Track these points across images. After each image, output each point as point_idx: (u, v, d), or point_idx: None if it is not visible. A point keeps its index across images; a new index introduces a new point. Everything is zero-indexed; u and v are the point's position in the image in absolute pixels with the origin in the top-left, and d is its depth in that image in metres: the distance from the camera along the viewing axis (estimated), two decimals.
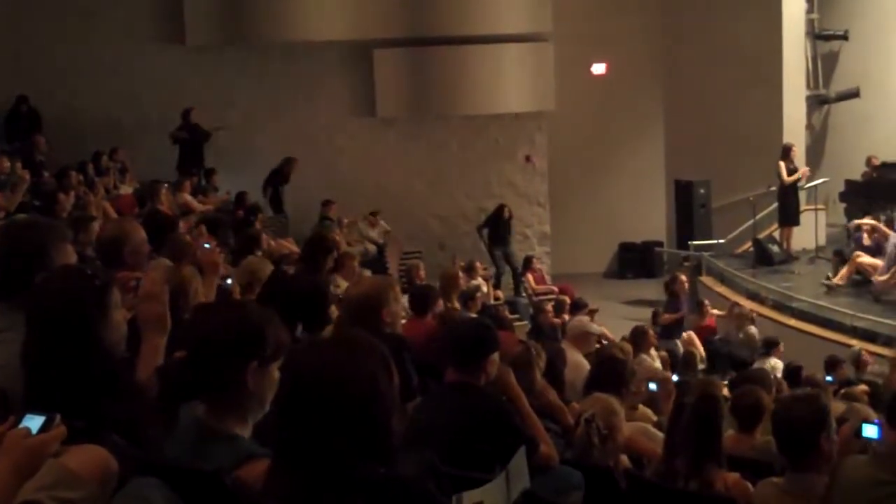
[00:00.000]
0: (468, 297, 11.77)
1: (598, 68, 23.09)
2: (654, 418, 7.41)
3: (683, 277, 17.13)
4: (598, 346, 9.18)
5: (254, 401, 3.15)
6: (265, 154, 19.26)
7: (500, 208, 20.42)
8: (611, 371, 6.53)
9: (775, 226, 19.63)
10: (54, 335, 3.38)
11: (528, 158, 21.84)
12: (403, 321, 6.82)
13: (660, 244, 22.55)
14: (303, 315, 5.47)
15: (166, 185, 14.28)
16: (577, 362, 8.13)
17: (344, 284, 8.75)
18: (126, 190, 15.35)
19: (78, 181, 13.65)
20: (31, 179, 13.41)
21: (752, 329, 15.36)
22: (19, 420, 2.63)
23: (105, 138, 18.19)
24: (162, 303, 3.99)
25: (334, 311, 6.48)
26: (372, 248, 18.11)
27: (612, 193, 23.12)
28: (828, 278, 16.83)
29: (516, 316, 16.37)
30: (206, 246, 7.45)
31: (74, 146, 17.62)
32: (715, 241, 20.19)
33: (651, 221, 22.94)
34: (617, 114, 22.79)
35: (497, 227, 20.38)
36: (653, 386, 7.94)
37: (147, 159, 18.32)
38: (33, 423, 2.63)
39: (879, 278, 15.95)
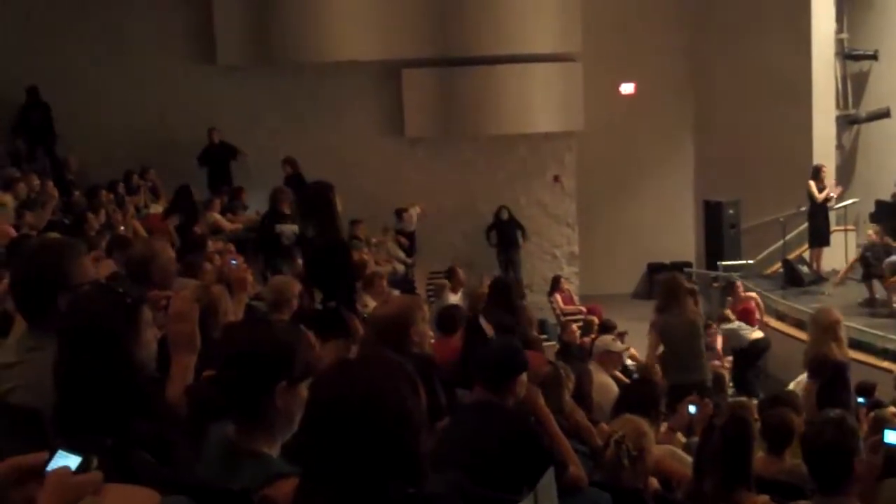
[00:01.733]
0: None
1: (627, 88, 23.07)
2: (683, 440, 7.37)
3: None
4: (631, 363, 9.17)
5: (283, 420, 3.15)
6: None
7: (498, 210, 20.55)
8: (641, 393, 6.50)
9: (805, 247, 19.52)
10: (86, 354, 3.39)
11: (556, 178, 21.83)
12: (431, 341, 6.82)
13: (689, 265, 22.46)
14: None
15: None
16: (604, 383, 8.11)
17: (372, 304, 8.77)
18: (156, 209, 15.43)
19: (108, 199, 13.73)
20: (62, 198, 13.50)
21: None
22: (52, 456, 2.62)
23: (135, 157, 18.31)
24: (192, 322, 4.00)
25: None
26: (400, 267, 18.13)
27: (641, 214, 23.06)
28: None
29: (544, 336, 16.33)
30: (234, 262, 7.48)
31: (104, 164, 17.74)
32: (744, 262, 20.10)
33: (680, 242, 22.86)
34: (646, 133, 22.75)
35: (500, 231, 20.47)
36: (692, 409, 7.89)
37: (177, 178, 18.40)
38: (69, 461, 2.61)
39: None
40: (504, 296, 8.26)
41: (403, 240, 19.56)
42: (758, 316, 17.04)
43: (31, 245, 4.90)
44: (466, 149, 21.45)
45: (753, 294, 17.43)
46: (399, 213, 20.15)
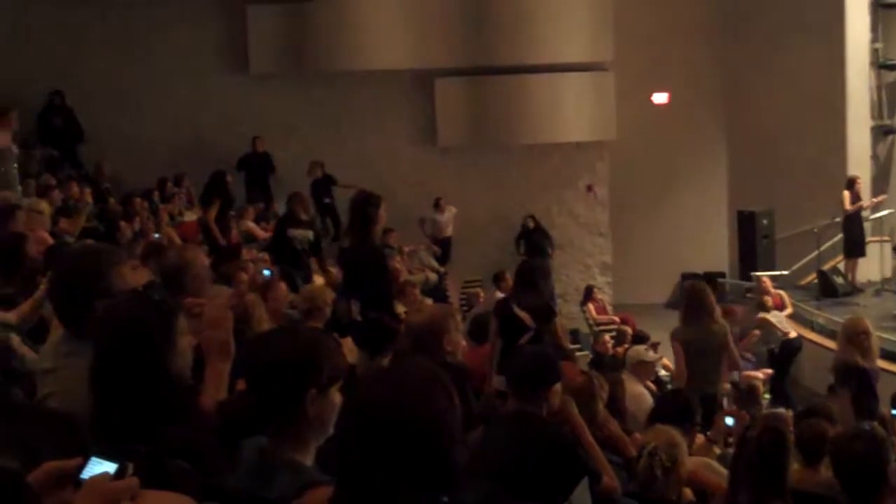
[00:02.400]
0: None
1: (660, 97, 23.01)
2: (717, 451, 7.33)
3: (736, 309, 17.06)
4: (664, 373, 9.11)
5: (315, 427, 3.15)
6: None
7: (525, 219, 20.56)
8: (675, 403, 6.47)
9: (840, 257, 19.38)
10: (121, 361, 3.40)
11: (589, 188, 21.78)
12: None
13: (722, 275, 22.35)
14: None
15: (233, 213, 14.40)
16: (638, 393, 8.07)
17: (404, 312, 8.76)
18: (190, 217, 15.48)
19: (143, 207, 13.80)
20: (96, 205, 13.58)
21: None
22: (86, 462, 2.62)
23: (169, 165, 18.41)
24: (226, 330, 4.00)
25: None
26: (433, 276, 18.13)
27: (675, 223, 22.97)
28: None
29: (577, 346, 16.31)
30: (268, 273, 7.52)
31: (138, 172, 17.84)
32: (778, 273, 19.97)
33: (714, 252, 22.76)
34: (679, 143, 22.68)
35: (528, 240, 20.46)
36: (729, 421, 7.82)
37: None
38: (104, 468, 2.62)
39: None
40: (530, 277, 8.20)
41: (436, 248, 19.58)
42: (789, 311, 16.93)
43: (71, 251, 4.94)
44: (498, 158, 21.44)
45: (781, 291, 17.35)
46: (437, 204, 20.18)
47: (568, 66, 20.82)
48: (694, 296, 9.72)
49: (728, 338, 9.55)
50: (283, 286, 7.84)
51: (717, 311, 9.84)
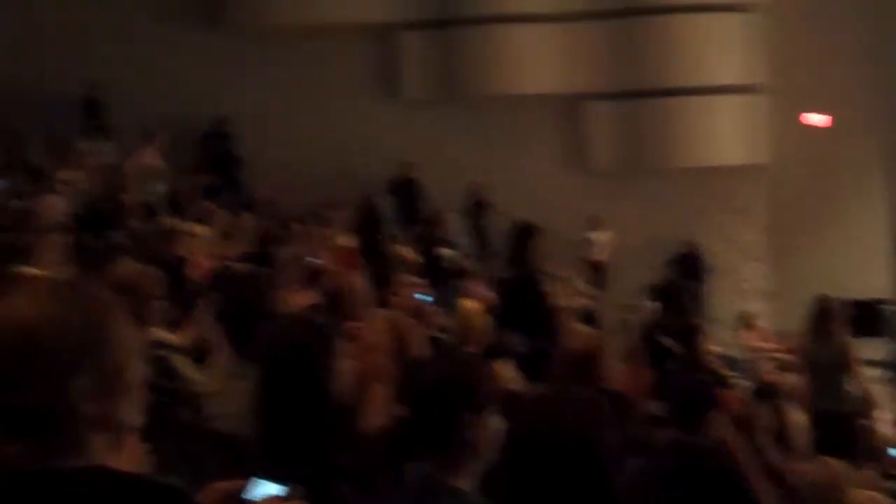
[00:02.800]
0: None
1: (820, 120, 22.48)
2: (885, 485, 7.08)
3: None
4: None
5: (472, 452, 3.14)
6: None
7: (679, 244, 20.24)
8: (839, 433, 6.28)
9: None
10: (284, 383, 3.45)
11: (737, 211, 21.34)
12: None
13: (886, 302, 21.65)
14: None
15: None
16: (801, 422, 7.85)
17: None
18: (345, 241, 15.66)
19: (299, 232, 14.01)
20: (255, 230, 13.82)
21: None
22: (252, 484, 2.65)
23: (324, 190, 18.70)
24: (385, 353, 4.05)
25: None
26: (587, 301, 17.99)
27: (836, 248, 22.34)
28: None
29: (735, 374, 15.97)
30: (426, 298, 7.56)
31: (294, 197, 18.17)
32: None
33: (876, 278, 22.08)
34: (839, 166, 22.10)
35: (682, 265, 20.13)
36: (893, 452, 7.56)
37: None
38: (269, 490, 2.64)
39: None
40: (677, 299, 8.11)
41: (590, 272, 19.33)
42: None
43: (236, 275, 5.07)
44: (650, 182, 21.20)
45: None
46: (592, 222, 20.05)
47: (720, 89, 20.51)
48: (819, 312, 9.52)
49: (850, 354, 9.32)
50: (436, 310, 7.87)
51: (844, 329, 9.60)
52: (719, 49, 20.35)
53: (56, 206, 9.67)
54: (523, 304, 7.37)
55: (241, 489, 2.62)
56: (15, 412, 1.98)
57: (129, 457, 2.18)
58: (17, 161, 14.15)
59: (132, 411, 2.12)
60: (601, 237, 20.34)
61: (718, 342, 19.14)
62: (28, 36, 19.23)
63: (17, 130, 15.93)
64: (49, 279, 2.85)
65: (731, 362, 17.69)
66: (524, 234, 7.62)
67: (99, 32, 19.52)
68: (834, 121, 22.18)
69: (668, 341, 7.47)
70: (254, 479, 2.65)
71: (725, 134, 20.70)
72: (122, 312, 2.12)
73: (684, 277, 19.91)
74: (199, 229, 9.49)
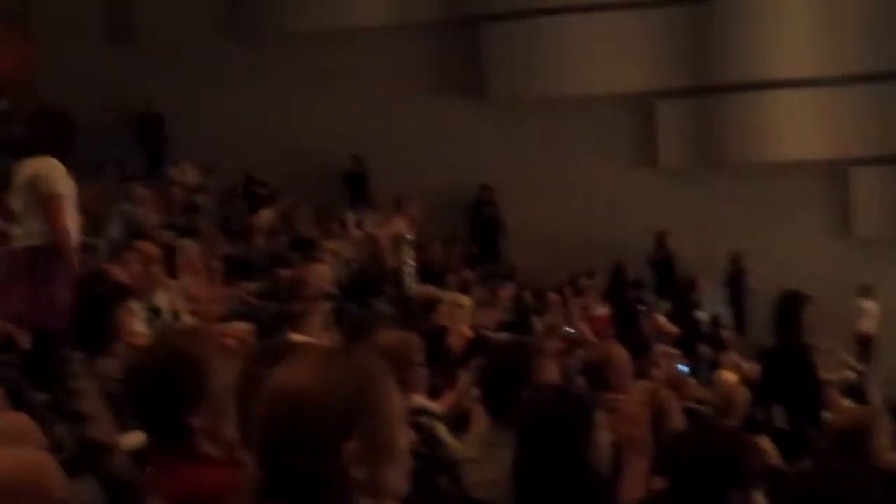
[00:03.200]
0: None
1: None
2: None
3: None
4: None
5: None
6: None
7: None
8: None
9: None
10: (542, 453, 3.47)
11: None
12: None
13: None
14: None
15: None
16: None
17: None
18: (601, 311, 15.66)
19: (556, 301, 14.09)
20: (510, 299, 13.99)
21: None
22: None
23: (581, 260, 18.75)
24: (643, 425, 4.01)
25: None
26: (852, 375, 17.30)
27: None
28: None
29: None
30: (683, 369, 7.47)
31: (551, 267, 18.28)
32: None
33: None
34: None
35: None
36: None
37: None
38: None
39: None
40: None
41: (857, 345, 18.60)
42: None
43: (499, 344, 5.16)
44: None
45: None
46: (862, 291, 19.28)
47: None
48: None
49: None
50: (692, 382, 7.76)
51: None
52: None
53: (323, 274, 10.04)
54: (787, 377, 7.16)
55: None
56: (288, 474, 2.07)
57: None
58: (289, 230, 14.84)
59: (398, 478, 2.18)
60: (870, 307, 19.55)
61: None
62: (300, 108, 20.18)
63: (287, 201, 16.75)
64: (321, 346, 2.97)
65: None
66: (792, 304, 7.43)
67: (365, 106, 20.29)
68: None
69: None
70: None
71: None
72: (391, 379, 2.19)
73: None
74: (461, 298, 9.67)
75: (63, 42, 19.05)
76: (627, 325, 12.70)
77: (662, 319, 15.91)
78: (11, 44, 18.61)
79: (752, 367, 9.24)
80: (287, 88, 20.28)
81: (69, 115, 7.03)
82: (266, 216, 15.10)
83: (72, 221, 6.58)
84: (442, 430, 4.69)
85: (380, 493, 2.14)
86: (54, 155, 6.60)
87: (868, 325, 19.46)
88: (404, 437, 2.19)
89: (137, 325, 6.87)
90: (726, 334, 15.15)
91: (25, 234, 6.57)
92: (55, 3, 19.77)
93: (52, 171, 6.55)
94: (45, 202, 6.47)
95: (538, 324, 11.34)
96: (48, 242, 6.47)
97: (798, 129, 19.88)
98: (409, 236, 12.42)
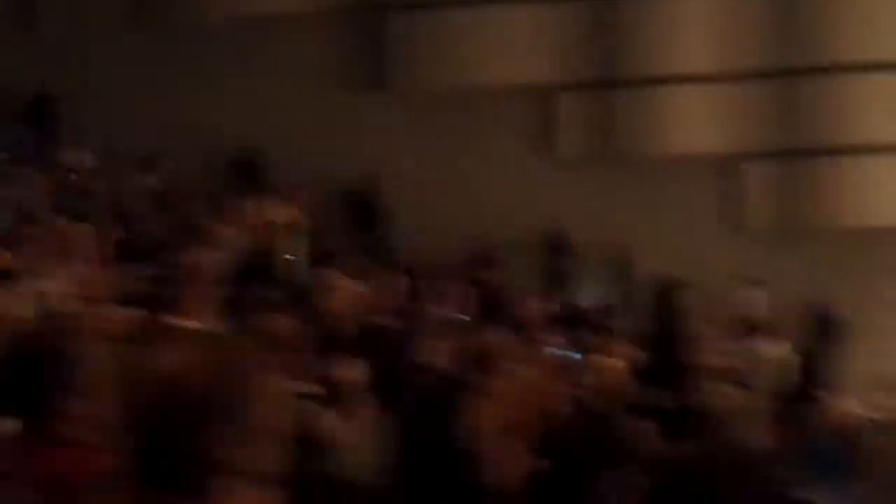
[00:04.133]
0: None
1: None
2: None
3: None
4: None
5: None
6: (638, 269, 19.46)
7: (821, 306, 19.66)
8: None
9: None
10: (418, 437, 3.55)
11: None
12: None
13: None
14: None
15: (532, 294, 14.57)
16: None
17: None
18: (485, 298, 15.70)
19: (448, 289, 14.11)
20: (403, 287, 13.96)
21: None
22: None
23: (473, 249, 18.87)
24: (522, 408, 4.09)
25: None
26: (737, 362, 17.67)
27: None
28: None
29: (875, 435, 15.43)
30: (566, 354, 7.56)
31: (443, 255, 18.32)
32: None
33: None
34: None
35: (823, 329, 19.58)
36: None
37: (514, 271, 18.81)
38: None
39: None
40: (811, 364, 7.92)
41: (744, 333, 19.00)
42: None
43: (382, 330, 5.21)
44: (809, 243, 20.74)
45: None
46: (747, 281, 19.66)
47: (883, 147, 20.04)
48: None
49: None
50: (577, 367, 7.82)
51: None
52: (877, 108, 19.94)
53: (214, 260, 9.95)
54: (668, 362, 7.31)
55: None
56: (158, 458, 2.09)
57: None
58: (179, 217, 14.69)
59: (271, 460, 2.21)
60: (759, 297, 19.94)
61: (870, 406, 18.59)
62: (199, 95, 19.99)
63: (180, 188, 16.59)
64: (196, 332, 3.00)
65: (873, 423, 17.11)
66: (668, 291, 7.59)
67: (263, 98, 20.17)
68: None
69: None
70: None
71: (887, 193, 20.20)
72: (267, 365, 2.22)
73: (822, 339, 19.41)
74: (349, 285, 9.66)
75: None
76: (502, 311, 12.82)
77: (545, 306, 16.04)
78: None
79: (637, 353, 9.36)
80: (186, 75, 20.10)
81: None
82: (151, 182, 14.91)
83: None
84: (325, 414, 4.71)
85: (250, 474, 2.17)
86: None
87: (756, 314, 19.87)
88: (279, 422, 2.22)
89: (21, 310, 6.76)
90: (614, 322, 15.36)
91: None
92: None
93: None
94: None
95: (430, 311, 11.36)
96: None
97: (693, 123, 20.22)
98: (300, 224, 12.40)
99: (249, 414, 2.14)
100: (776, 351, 16.10)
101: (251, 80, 20.20)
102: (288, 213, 12.51)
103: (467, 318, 9.99)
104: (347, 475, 4.00)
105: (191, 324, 4.79)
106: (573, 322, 12.63)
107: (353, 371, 5.13)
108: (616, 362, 8.50)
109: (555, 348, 8.01)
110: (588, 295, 18.83)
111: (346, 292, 8.74)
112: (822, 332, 19.65)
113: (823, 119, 20.12)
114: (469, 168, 20.50)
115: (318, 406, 4.74)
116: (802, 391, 10.61)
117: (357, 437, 4.21)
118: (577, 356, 8.50)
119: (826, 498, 4.92)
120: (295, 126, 20.15)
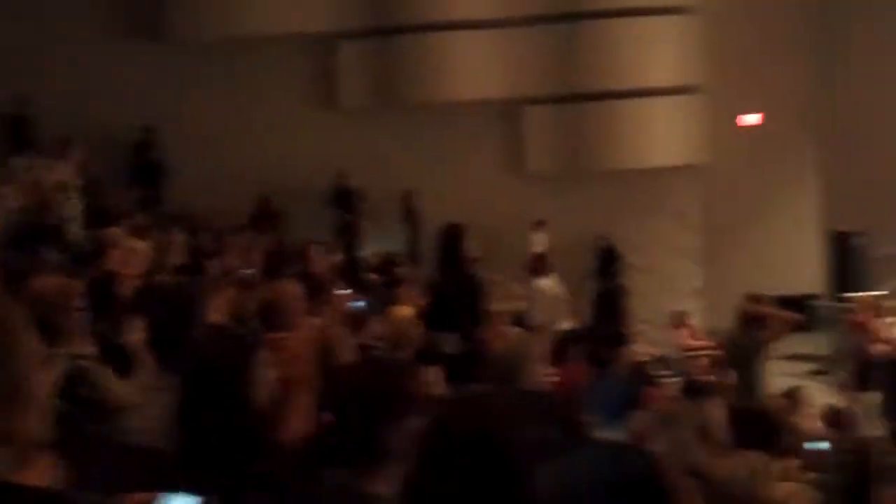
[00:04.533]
0: None
1: (751, 118, 22.73)
2: (809, 476, 7.18)
3: None
4: None
5: (394, 458, 3.16)
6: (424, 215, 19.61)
7: (597, 240, 20.47)
8: (758, 425, 6.36)
9: None
10: (204, 395, 3.46)
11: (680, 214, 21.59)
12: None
13: (816, 297, 21.89)
14: None
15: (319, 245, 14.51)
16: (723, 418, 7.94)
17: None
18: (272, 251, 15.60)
19: (234, 245, 13.93)
20: (187, 243, 13.74)
21: None
22: (172, 496, 2.66)
23: (258, 201, 18.71)
24: (309, 362, 4.06)
25: None
26: (521, 304, 18.08)
27: (768, 246, 22.60)
28: None
29: (668, 372, 16.16)
30: (355, 304, 7.58)
31: (228, 209, 18.11)
32: (874, 294, 19.48)
33: (809, 274, 22.34)
34: (770, 164, 22.36)
35: (604, 265, 20.38)
36: (811, 446, 7.67)
37: (300, 223, 18.74)
38: (187, 501, 2.65)
39: None
40: (613, 305, 8.23)
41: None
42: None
43: (162, 289, 5.09)
44: (588, 185, 21.35)
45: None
46: (535, 225, 20.14)
47: (656, 90, 20.69)
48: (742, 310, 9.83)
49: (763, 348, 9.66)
50: (367, 318, 7.89)
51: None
52: (654, 51, 20.54)
53: None
54: (454, 306, 7.41)
55: (155, 501, 2.64)
56: None
57: (39, 472, 2.18)
58: None
59: (37, 425, 2.13)
60: (541, 239, 20.43)
61: (650, 341, 19.41)
62: None
63: None
64: None
65: (665, 361, 17.89)
66: (452, 236, 7.66)
67: (32, 48, 19.36)
68: (767, 119, 22.47)
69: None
70: (166, 494, 2.66)
71: (662, 136, 20.89)
72: (26, 326, 2.13)
73: (603, 274, 20.12)
74: (130, 243, 9.44)
75: None
76: (288, 263, 12.76)
77: (333, 256, 16.04)
78: None
79: (425, 300, 9.46)
80: None
81: None
82: None
83: None
84: (103, 376, 4.58)
85: (12, 440, 2.09)
86: None
87: (540, 255, 20.32)
88: (42, 384, 2.14)
89: None
90: (402, 270, 15.50)
91: None
92: None
93: None
94: None
95: (213, 266, 11.19)
96: None
97: (473, 69, 20.42)
98: (74, 181, 12.01)
99: (7, 376, 2.05)
100: (561, 290, 16.48)
101: (22, 29, 19.36)
102: (61, 170, 12.06)
103: (252, 272, 9.85)
104: (129, 438, 3.90)
105: None
106: (361, 271, 12.67)
107: (133, 331, 4.99)
108: (404, 310, 8.57)
109: (343, 298, 8.02)
110: (375, 243, 18.98)
111: (124, 250, 8.54)
112: (605, 270, 20.30)
113: (600, 64, 20.61)
114: (251, 120, 20.27)
115: (96, 367, 4.62)
116: (590, 329, 10.91)
117: (139, 399, 4.10)
118: (365, 305, 8.55)
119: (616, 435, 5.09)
120: (69, 78, 19.45)
